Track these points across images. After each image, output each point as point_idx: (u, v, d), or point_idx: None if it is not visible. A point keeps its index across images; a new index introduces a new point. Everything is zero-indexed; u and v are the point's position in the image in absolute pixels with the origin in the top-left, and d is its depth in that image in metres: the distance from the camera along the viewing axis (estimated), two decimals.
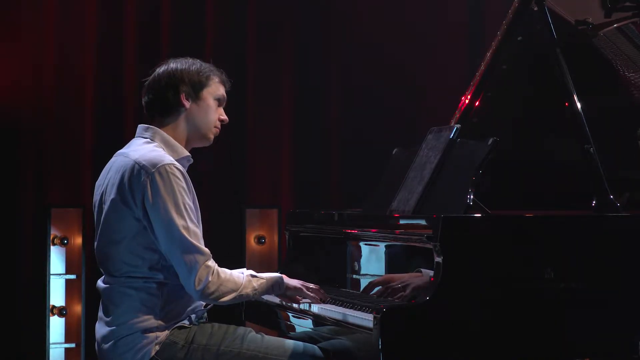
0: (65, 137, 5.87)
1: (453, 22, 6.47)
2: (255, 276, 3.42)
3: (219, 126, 3.56)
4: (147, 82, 3.53)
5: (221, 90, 3.56)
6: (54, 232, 5.60)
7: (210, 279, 3.28)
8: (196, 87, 3.49)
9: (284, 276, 3.54)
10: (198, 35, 6.10)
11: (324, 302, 3.57)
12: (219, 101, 3.55)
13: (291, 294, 3.56)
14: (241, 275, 3.38)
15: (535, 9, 3.92)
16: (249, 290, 3.38)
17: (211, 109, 3.52)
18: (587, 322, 3.34)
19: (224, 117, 3.57)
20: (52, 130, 5.84)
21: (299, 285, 3.54)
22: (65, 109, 5.88)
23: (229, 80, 3.60)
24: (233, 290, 3.33)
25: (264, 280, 3.43)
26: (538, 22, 3.90)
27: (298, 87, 6.33)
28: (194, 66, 3.52)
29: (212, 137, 3.55)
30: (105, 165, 3.51)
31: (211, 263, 3.31)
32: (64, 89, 5.88)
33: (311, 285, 3.57)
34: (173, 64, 3.52)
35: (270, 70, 6.29)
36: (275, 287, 3.47)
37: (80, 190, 5.82)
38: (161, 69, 3.52)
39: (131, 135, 3.55)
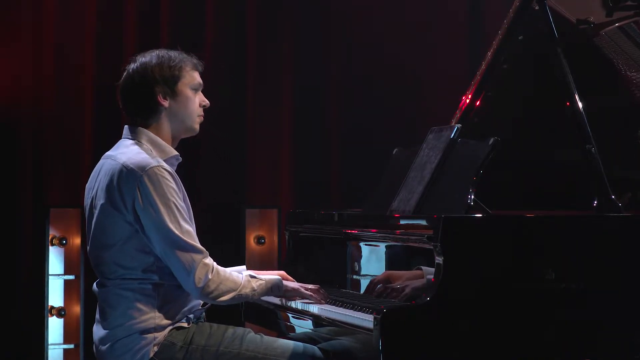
0: (64, 137, 5.86)
1: (453, 21, 6.46)
2: (254, 277, 3.41)
3: (202, 113, 3.52)
4: (121, 85, 3.47)
5: (196, 78, 3.50)
6: (52, 233, 5.59)
7: (210, 276, 3.27)
8: (170, 83, 3.44)
9: (284, 274, 3.53)
10: (198, 35, 6.09)
11: (323, 302, 3.56)
12: (195, 89, 3.50)
13: (290, 296, 3.55)
14: (240, 275, 3.37)
15: (537, 8, 3.91)
16: (247, 291, 3.37)
17: (190, 100, 3.47)
18: (588, 322, 3.33)
19: (205, 101, 3.53)
20: (51, 131, 5.83)
21: (298, 287, 3.53)
22: (64, 109, 5.86)
23: (201, 63, 3.54)
24: (232, 290, 3.32)
25: (263, 282, 3.42)
26: (539, 21, 3.89)
27: (298, 87, 6.31)
28: (163, 59, 3.45)
29: (197, 127, 3.51)
30: None
31: (209, 261, 3.30)
32: (64, 89, 5.86)
33: (310, 286, 3.56)
34: (142, 60, 3.45)
35: (270, 70, 6.28)
36: (274, 289, 3.46)
37: (79, 190, 5.79)
38: (131, 69, 3.46)
39: None
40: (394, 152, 4.13)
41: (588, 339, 3.34)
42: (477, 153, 3.54)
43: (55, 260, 5.58)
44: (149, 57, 3.47)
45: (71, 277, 5.62)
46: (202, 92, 3.54)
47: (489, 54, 4.04)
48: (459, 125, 3.75)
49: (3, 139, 5.78)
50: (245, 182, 6.22)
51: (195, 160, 5.83)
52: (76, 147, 5.88)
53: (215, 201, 6.06)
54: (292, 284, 3.54)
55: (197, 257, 3.27)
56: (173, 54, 3.49)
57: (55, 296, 5.59)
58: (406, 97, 6.34)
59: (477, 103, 4.04)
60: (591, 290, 3.34)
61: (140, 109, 3.44)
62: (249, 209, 5.92)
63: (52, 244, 5.57)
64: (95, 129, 5.90)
